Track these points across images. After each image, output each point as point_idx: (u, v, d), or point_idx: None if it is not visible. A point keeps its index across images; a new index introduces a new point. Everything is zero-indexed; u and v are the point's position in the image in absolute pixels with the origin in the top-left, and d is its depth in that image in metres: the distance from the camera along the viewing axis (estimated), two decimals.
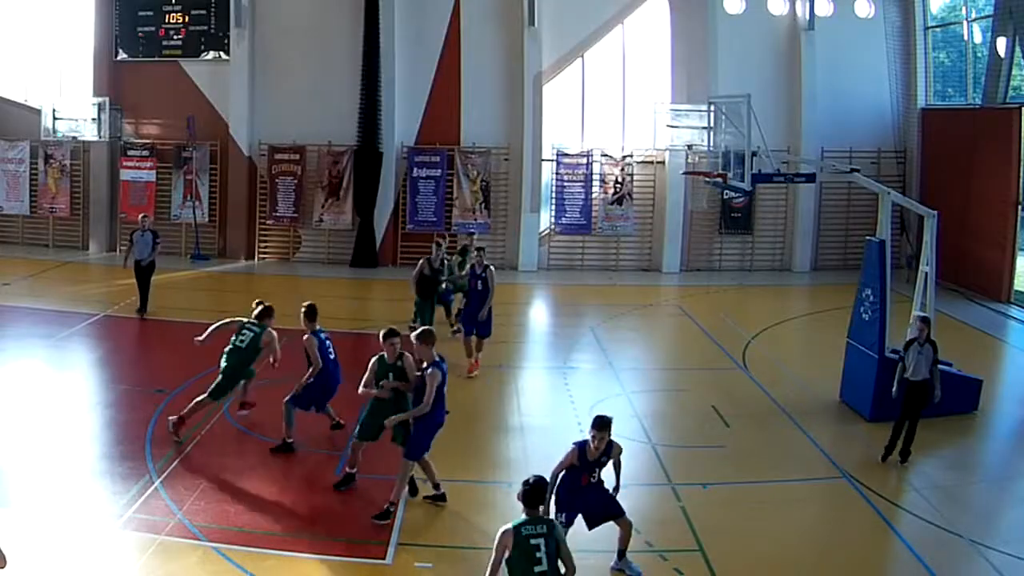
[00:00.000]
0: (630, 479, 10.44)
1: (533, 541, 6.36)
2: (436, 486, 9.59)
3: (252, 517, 9.00)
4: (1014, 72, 20.32)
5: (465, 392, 12.96)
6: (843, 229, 23.79)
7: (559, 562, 6.41)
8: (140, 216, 17.90)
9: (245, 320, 11.50)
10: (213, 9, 23.35)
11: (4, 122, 24.08)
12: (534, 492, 6.56)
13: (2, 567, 7.04)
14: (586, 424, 11.90)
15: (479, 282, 14.06)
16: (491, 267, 14.19)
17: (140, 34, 23.67)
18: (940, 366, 11.55)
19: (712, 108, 14.67)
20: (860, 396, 12.64)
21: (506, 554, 6.40)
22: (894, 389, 10.96)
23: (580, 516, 8.25)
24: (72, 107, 22.83)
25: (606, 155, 23.26)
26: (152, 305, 17.26)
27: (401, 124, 23.00)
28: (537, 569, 6.34)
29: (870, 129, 23.47)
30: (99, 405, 12.32)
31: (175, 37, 23.59)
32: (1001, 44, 20.11)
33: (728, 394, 13.48)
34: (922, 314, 11.63)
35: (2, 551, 7.00)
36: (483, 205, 23.04)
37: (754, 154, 12.68)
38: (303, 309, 10.98)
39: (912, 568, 8.54)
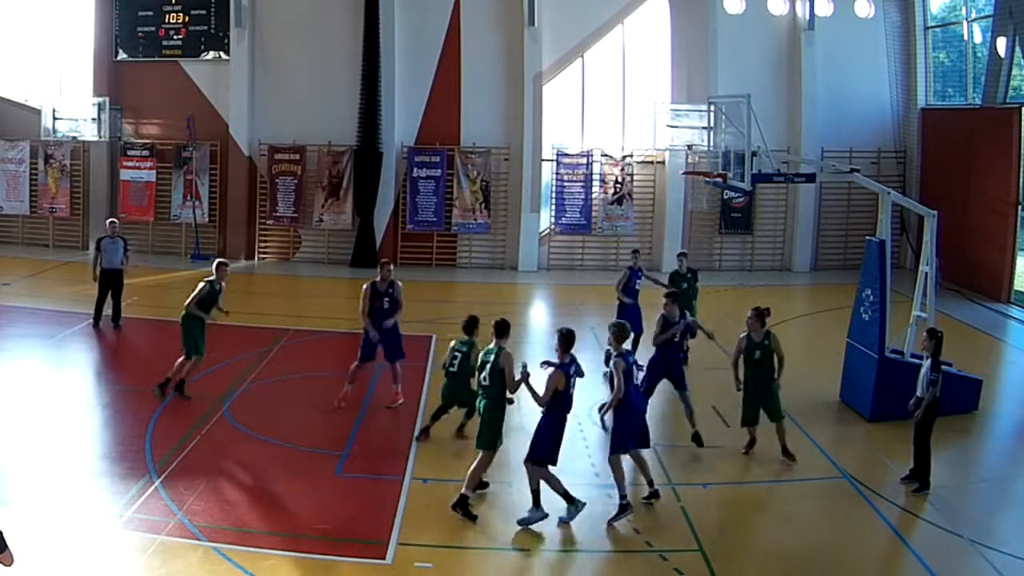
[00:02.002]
0: (629, 480, 10.47)
1: (456, 352, 10.52)
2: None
3: (252, 517, 8.99)
4: (1014, 72, 20.32)
5: None
6: (843, 229, 23.80)
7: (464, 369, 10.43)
8: (108, 221, 16.93)
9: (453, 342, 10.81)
10: (213, 9, 23.37)
11: (4, 122, 24.08)
12: (468, 324, 10.54)
13: (8, 565, 7.06)
14: (586, 424, 11.96)
15: (386, 300, 12.23)
16: (398, 283, 12.45)
17: (140, 34, 23.69)
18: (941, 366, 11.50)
19: (712, 108, 14.66)
20: (860, 396, 12.64)
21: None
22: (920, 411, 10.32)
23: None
24: (72, 107, 22.84)
25: (606, 155, 23.27)
26: (153, 305, 17.25)
27: (401, 124, 23.00)
28: (450, 368, 10.51)
29: (870, 129, 23.50)
30: (99, 405, 12.32)
31: (175, 37, 23.60)
32: (1001, 44, 20.11)
33: (728, 394, 13.44)
34: (929, 324, 11.44)
35: (10, 550, 7.01)
36: (483, 205, 23.05)
37: (754, 154, 12.68)
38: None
39: (912, 568, 8.54)
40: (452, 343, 10.79)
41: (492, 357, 9.29)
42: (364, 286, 12.26)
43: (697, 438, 11.35)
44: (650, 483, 9.67)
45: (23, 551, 7.65)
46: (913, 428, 10.29)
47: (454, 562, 8.41)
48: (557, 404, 8.97)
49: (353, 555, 8.38)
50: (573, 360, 9.08)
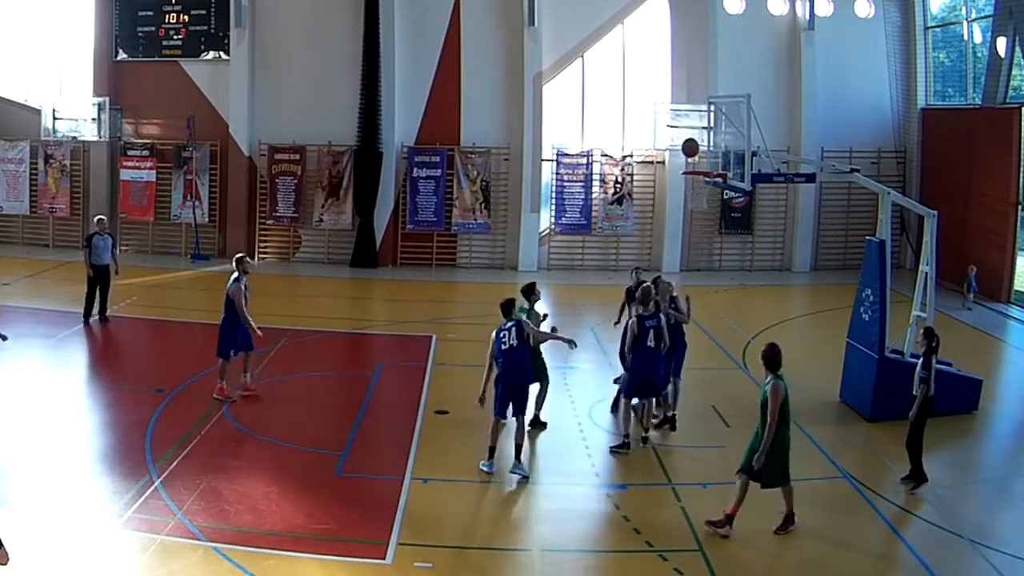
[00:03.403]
0: (630, 479, 10.49)
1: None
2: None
3: (252, 517, 8.99)
4: (1014, 72, 20.32)
5: (465, 392, 12.96)
6: (843, 229, 23.80)
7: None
8: (96, 218, 17.07)
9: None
10: (213, 9, 23.37)
11: (4, 122, 24.07)
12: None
13: (4, 564, 7.06)
14: (586, 425, 11.96)
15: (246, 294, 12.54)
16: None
17: (140, 34, 23.69)
18: (940, 366, 11.46)
19: (712, 108, 14.65)
20: (860, 396, 12.63)
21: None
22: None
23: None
24: (72, 107, 22.83)
25: (606, 155, 23.27)
26: (153, 304, 17.25)
27: (401, 124, 23.00)
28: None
29: (870, 129, 23.49)
30: (99, 405, 12.32)
31: (175, 37, 23.60)
32: (1001, 44, 20.11)
33: (728, 394, 13.48)
34: (929, 324, 11.40)
35: (5, 549, 7.01)
36: (483, 205, 23.05)
37: (754, 154, 12.68)
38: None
39: (912, 568, 8.54)
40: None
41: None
42: (235, 282, 12.25)
43: (672, 421, 11.95)
44: (645, 429, 11.38)
45: (23, 551, 7.65)
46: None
47: (454, 562, 8.40)
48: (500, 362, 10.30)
49: (353, 555, 8.37)
50: (515, 323, 10.30)
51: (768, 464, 8.87)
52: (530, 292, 11.69)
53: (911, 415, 10.15)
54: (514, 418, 10.31)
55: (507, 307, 10.67)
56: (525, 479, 10.13)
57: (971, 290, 19.73)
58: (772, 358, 8.99)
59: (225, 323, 12.31)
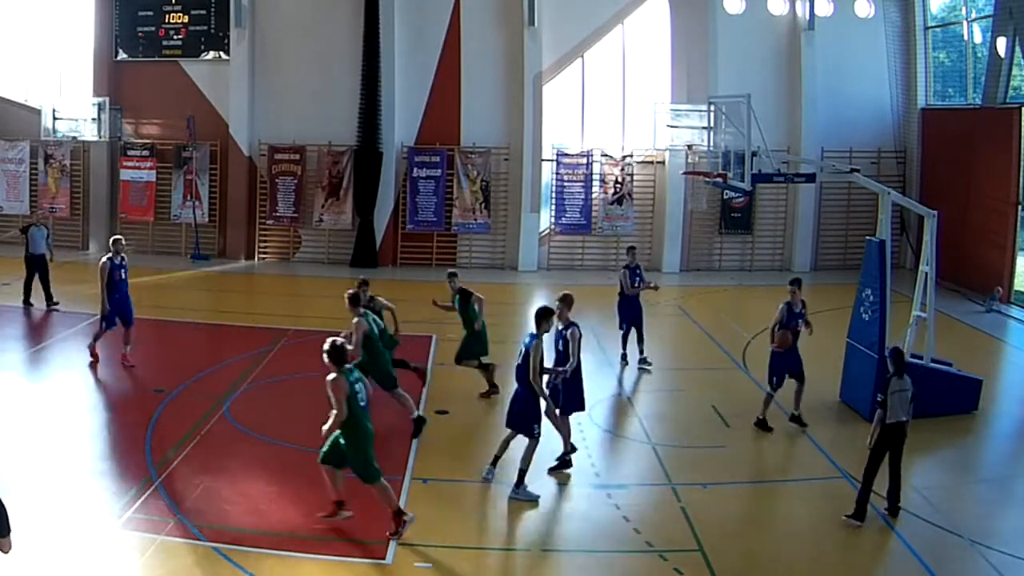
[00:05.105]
0: (630, 479, 10.49)
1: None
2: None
3: (252, 517, 8.99)
4: (1014, 72, 20.32)
5: (465, 392, 12.98)
6: (843, 229, 23.81)
7: None
8: (34, 210, 17.83)
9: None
10: (213, 9, 23.38)
11: (4, 122, 24.08)
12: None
13: (6, 552, 7.07)
14: (586, 424, 11.96)
15: (123, 271, 13.75)
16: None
17: (140, 34, 23.70)
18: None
19: (712, 108, 14.66)
20: (860, 396, 12.62)
21: None
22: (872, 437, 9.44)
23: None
24: (72, 107, 22.83)
25: (606, 155, 23.27)
26: (153, 304, 17.21)
27: (401, 124, 23.00)
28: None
29: (870, 129, 23.50)
30: (99, 405, 12.32)
31: (175, 37, 23.61)
32: (1001, 44, 20.11)
33: (728, 394, 13.47)
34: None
35: (9, 538, 7.00)
36: (483, 205, 23.05)
37: (754, 154, 12.68)
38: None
39: (912, 568, 8.54)
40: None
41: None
42: (103, 260, 13.49)
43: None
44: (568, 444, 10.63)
45: (23, 551, 7.65)
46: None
47: (454, 562, 8.40)
48: None
49: (353, 555, 8.37)
50: (528, 345, 9.73)
51: (355, 457, 8.67)
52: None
53: (869, 444, 9.37)
54: (524, 437, 9.81)
55: (539, 317, 9.73)
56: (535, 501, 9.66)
57: (992, 300, 19.68)
58: (330, 354, 8.60)
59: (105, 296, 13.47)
